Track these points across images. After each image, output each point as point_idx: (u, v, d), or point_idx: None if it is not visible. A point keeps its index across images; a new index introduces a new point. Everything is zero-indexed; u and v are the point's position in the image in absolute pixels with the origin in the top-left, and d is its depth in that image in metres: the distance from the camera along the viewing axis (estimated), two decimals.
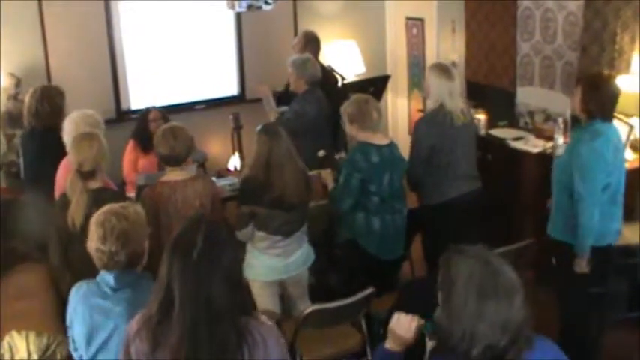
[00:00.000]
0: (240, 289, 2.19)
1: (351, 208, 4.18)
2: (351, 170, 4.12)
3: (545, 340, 2.12)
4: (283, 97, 5.54)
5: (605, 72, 4.80)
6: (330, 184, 4.37)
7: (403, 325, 2.33)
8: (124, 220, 2.67)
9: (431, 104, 4.42)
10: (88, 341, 2.68)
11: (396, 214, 4.29)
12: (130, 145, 5.43)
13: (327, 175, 4.45)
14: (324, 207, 4.51)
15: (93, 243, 2.66)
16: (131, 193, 4.77)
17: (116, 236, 2.62)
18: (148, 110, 5.51)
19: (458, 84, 4.42)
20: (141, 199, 3.87)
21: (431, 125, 4.37)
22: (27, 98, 4.55)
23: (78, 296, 2.72)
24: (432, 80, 4.37)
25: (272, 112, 5.21)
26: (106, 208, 2.75)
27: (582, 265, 3.78)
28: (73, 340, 2.75)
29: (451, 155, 4.38)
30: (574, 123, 4.19)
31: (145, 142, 5.37)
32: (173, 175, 3.87)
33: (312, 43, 5.78)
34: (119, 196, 3.66)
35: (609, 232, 3.86)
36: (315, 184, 4.31)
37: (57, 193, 3.92)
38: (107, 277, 2.66)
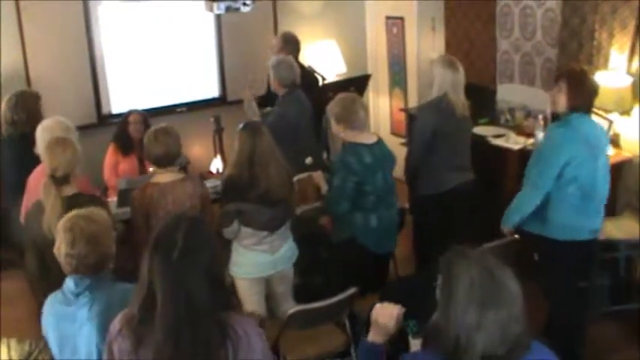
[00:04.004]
0: (222, 287, 2.20)
1: (348, 210, 4.17)
2: (346, 174, 4.08)
3: (541, 346, 2.10)
4: (265, 100, 5.55)
5: (584, 67, 4.82)
6: (324, 186, 4.34)
7: (385, 313, 2.33)
8: (92, 224, 2.65)
9: (434, 93, 4.54)
10: (60, 349, 2.67)
11: (391, 209, 4.31)
12: (111, 148, 5.42)
13: (318, 177, 4.41)
14: (317, 210, 4.51)
15: (62, 249, 2.63)
16: (112, 198, 4.74)
17: (86, 239, 2.60)
18: (129, 113, 5.50)
19: (462, 78, 4.52)
20: (130, 202, 3.84)
21: (435, 111, 4.50)
22: (2, 106, 4.53)
23: (49, 305, 2.71)
24: (438, 70, 4.51)
25: (254, 117, 5.20)
26: (72, 213, 2.73)
27: (505, 232, 3.97)
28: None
29: (450, 143, 4.49)
30: (554, 119, 4.21)
31: (124, 144, 5.37)
32: (162, 177, 3.84)
33: (290, 44, 5.77)
34: (95, 200, 3.60)
35: (583, 228, 3.87)
36: (307, 187, 4.31)
37: (27, 199, 3.86)
38: (69, 283, 2.64)
